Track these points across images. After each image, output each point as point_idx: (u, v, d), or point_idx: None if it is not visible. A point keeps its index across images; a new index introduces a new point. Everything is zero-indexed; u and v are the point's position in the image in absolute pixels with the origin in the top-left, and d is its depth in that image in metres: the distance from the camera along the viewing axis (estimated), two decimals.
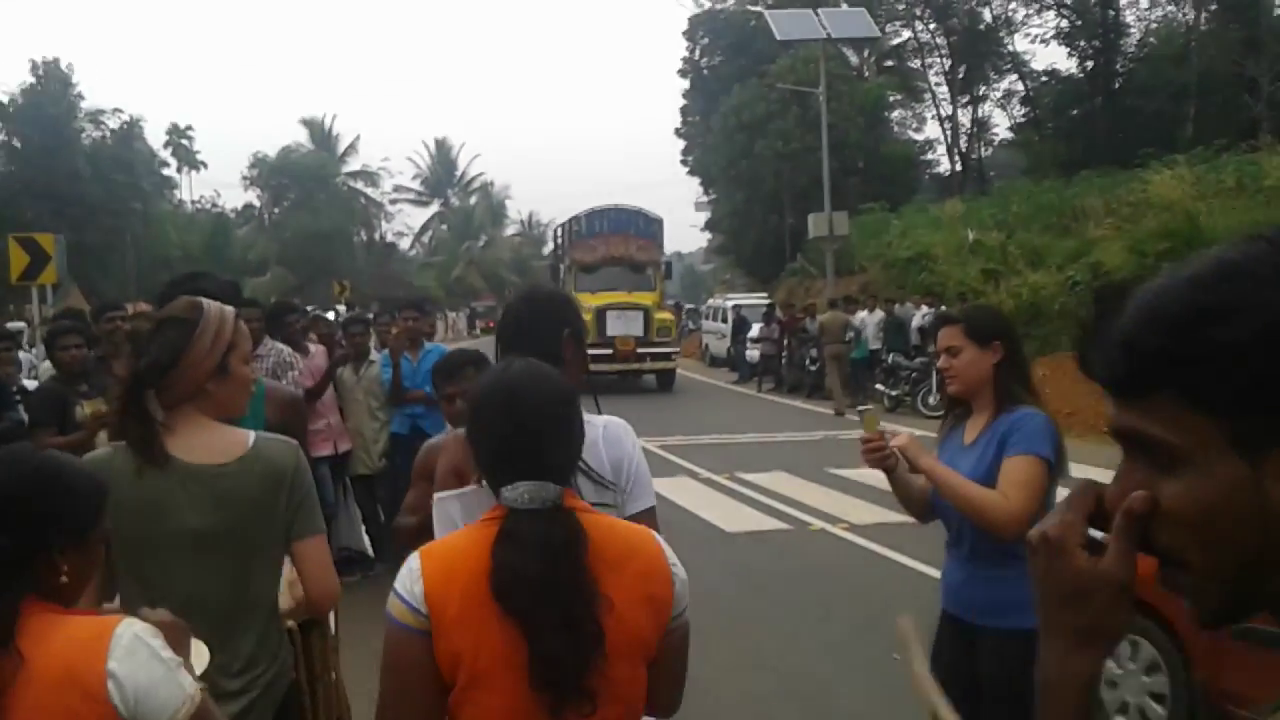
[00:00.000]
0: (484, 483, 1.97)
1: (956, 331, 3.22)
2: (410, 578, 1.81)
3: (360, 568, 7.55)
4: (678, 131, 46.43)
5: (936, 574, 3.63)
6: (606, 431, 2.63)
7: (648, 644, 1.86)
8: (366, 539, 7.95)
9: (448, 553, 1.87)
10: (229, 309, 2.50)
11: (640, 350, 21.70)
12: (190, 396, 2.38)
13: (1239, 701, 4.04)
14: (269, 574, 2.45)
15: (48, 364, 6.10)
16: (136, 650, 1.68)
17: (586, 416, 2.61)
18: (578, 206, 25.08)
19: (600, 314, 21.42)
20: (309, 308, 12.61)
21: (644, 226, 24.29)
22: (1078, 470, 8.64)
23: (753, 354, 23.43)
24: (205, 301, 2.49)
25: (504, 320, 2.67)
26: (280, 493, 2.38)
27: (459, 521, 2.29)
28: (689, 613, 1.95)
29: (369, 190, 61.92)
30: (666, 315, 23.13)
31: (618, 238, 23.71)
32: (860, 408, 3.70)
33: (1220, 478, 0.84)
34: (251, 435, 2.43)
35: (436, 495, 2.54)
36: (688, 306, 41.43)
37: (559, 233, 26.74)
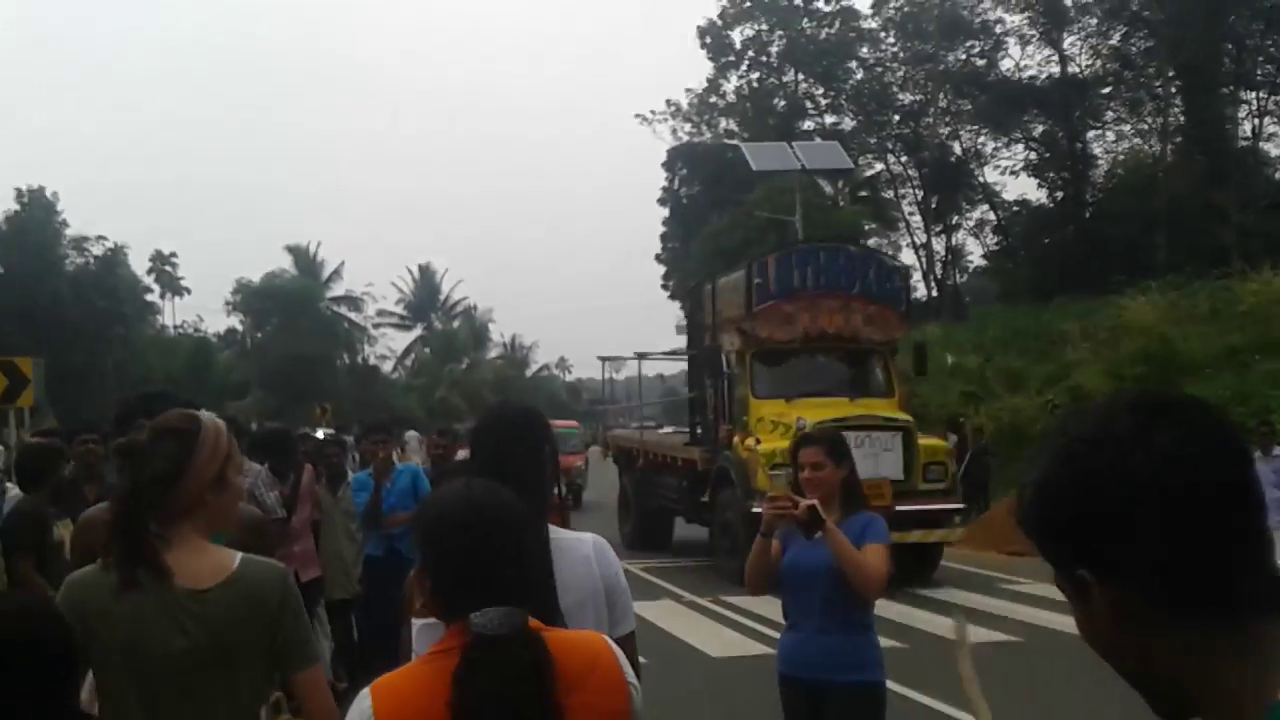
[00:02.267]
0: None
1: (820, 451, 4.03)
2: (362, 715, 1.76)
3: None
4: (658, 257, 47.18)
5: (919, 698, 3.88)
6: (597, 548, 2.61)
7: None
8: (337, 668, 7.74)
9: (400, 690, 1.81)
10: (220, 420, 2.47)
11: (902, 507, 11.26)
12: (188, 510, 2.33)
13: None
14: (252, 698, 2.39)
15: (16, 490, 5.98)
16: None
17: (574, 534, 2.60)
18: (562, 327, 24.24)
19: None
20: (303, 429, 12.46)
21: (879, 282, 13.97)
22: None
23: None
24: (199, 412, 2.48)
25: (481, 438, 2.63)
26: (264, 617, 2.31)
27: None
28: None
29: (352, 315, 62.20)
30: (937, 442, 13.19)
31: (834, 300, 13.51)
32: (773, 473, 4.22)
33: (1078, 612, 1.10)
34: (237, 557, 2.36)
35: (418, 622, 2.44)
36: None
37: (709, 293, 14.84)
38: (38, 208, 38.45)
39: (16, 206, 38.37)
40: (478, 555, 1.80)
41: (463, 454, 7.57)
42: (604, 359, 25.00)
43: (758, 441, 12.25)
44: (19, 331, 33.23)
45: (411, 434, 15.30)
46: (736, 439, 13.00)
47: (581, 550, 2.54)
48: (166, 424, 2.41)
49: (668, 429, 19.92)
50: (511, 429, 2.61)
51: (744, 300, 13.45)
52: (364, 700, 1.79)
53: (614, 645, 1.94)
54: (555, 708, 1.73)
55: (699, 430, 14.90)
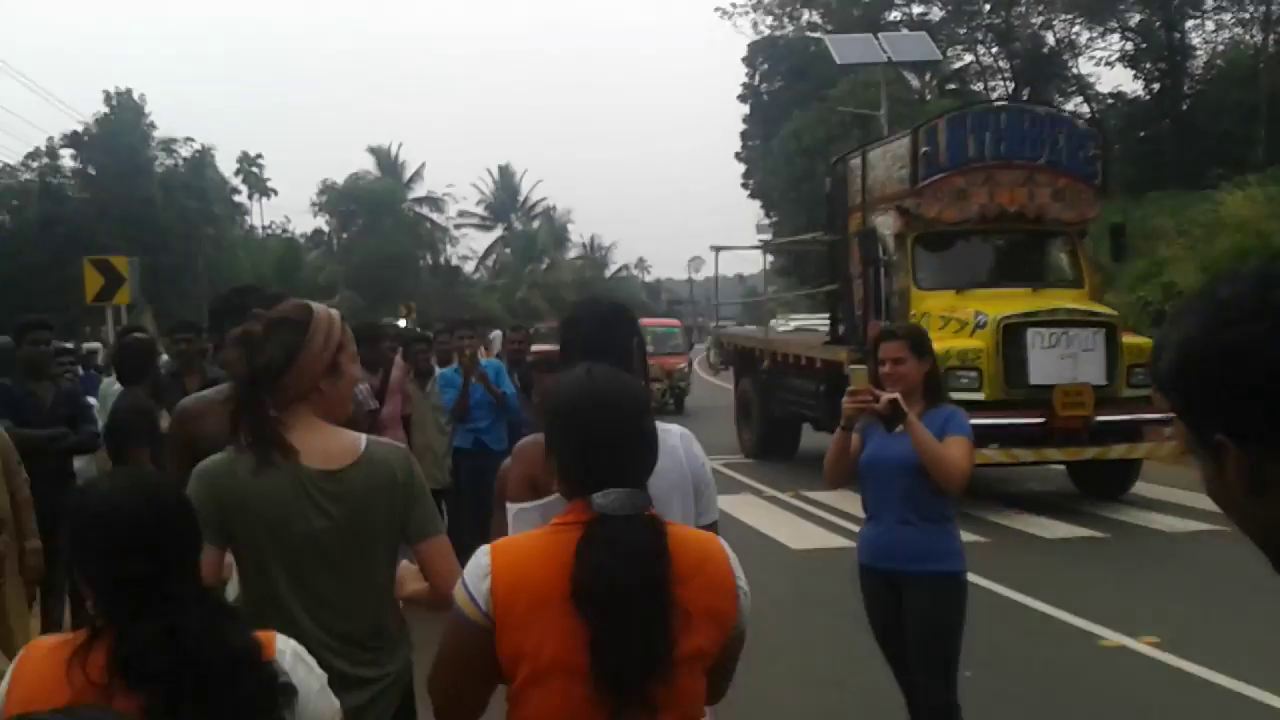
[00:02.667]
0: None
1: (903, 346, 4.05)
2: (478, 574, 1.83)
3: None
4: (738, 156, 46.50)
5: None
6: (684, 439, 2.65)
7: (708, 656, 1.86)
8: None
9: (519, 553, 1.87)
10: (334, 310, 2.53)
11: (1103, 417, 10.08)
12: (303, 396, 2.40)
13: None
14: (388, 572, 2.49)
15: (116, 386, 6.19)
16: (296, 666, 1.77)
17: (661, 425, 2.67)
18: (641, 229, 22.26)
19: (1012, 336, 10.04)
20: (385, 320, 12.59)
21: (1070, 150, 11.51)
22: (1151, 490, 8.37)
23: None
24: (312, 303, 2.54)
25: (571, 331, 2.67)
26: (395, 496, 2.41)
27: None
28: (750, 623, 1.96)
29: (434, 216, 62.73)
30: (1143, 341, 10.55)
31: (1016, 172, 11.29)
32: (853, 365, 4.42)
33: (1210, 474, 1.13)
34: (363, 439, 2.45)
35: (515, 506, 2.53)
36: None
37: (858, 166, 12.66)
38: (126, 110, 39.01)
39: (106, 109, 38.96)
40: (603, 436, 1.86)
41: (538, 347, 7.68)
42: (721, 247, 18.97)
43: None
44: (112, 231, 34.11)
45: (496, 333, 15.44)
46: None
47: (669, 440, 2.57)
48: (280, 313, 2.48)
49: (750, 327, 18.98)
50: (600, 324, 2.64)
51: (907, 173, 11.30)
52: (483, 557, 1.86)
53: (726, 547, 1.97)
54: (669, 591, 1.78)
55: (840, 328, 13.09)
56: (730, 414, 16.17)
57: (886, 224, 11.64)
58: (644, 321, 20.90)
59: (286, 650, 1.78)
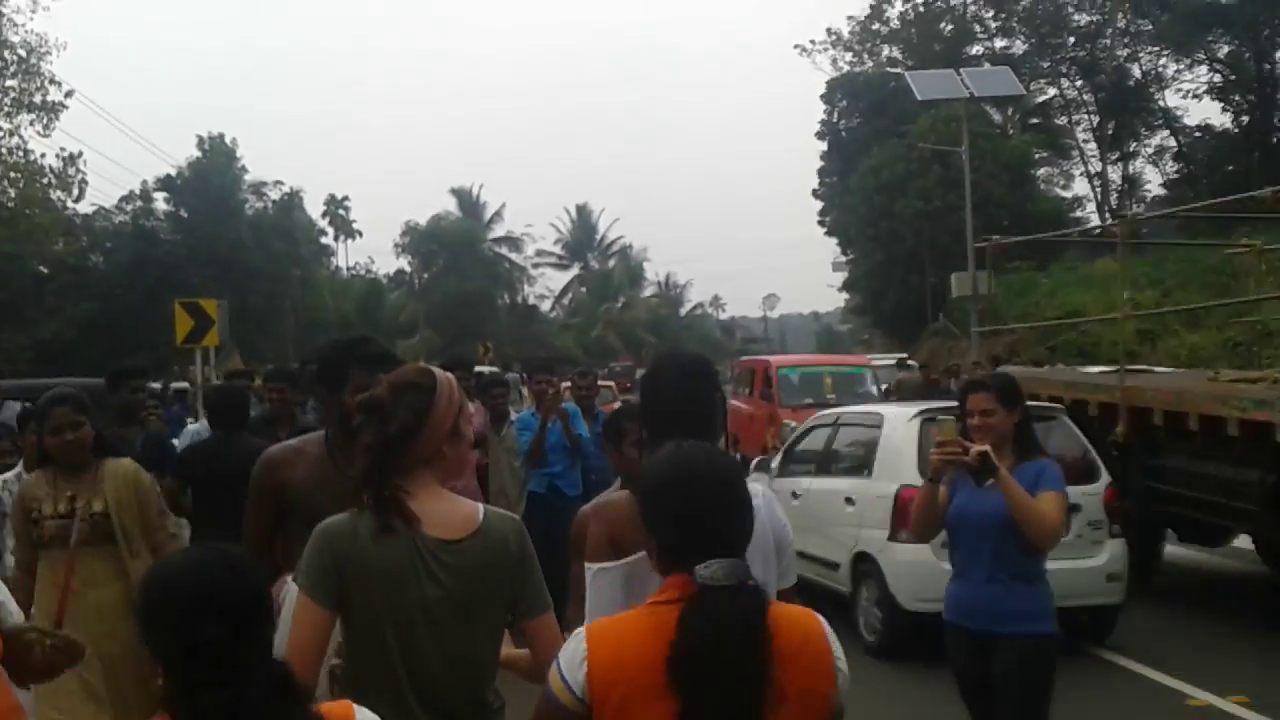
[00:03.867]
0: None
1: (990, 397, 3.94)
2: (575, 659, 1.81)
3: None
4: (815, 193, 46.33)
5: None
6: (766, 499, 2.61)
7: None
8: None
9: (617, 637, 1.83)
10: (450, 374, 2.52)
11: None
12: (426, 461, 2.40)
13: None
14: (493, 643, 2.47)
15: (204, 424, 6.31)
16: None
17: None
18: (716, 267, 20.40)
19: None
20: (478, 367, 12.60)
21: None
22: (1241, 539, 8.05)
23: None
24: (431, 367, 2.55)
25: (657, 387, 2.64)
26: (507, 568, 2.39)
27: (619, 592, 2.27)
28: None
29: (513, 255, 63.51)
30: None
31: None
32: (941, 417, 4.26)
33: None
34: (480, 509, 2.43)
35: (595, 566, 2.51)
36: None
37: None
38: (218, 154, 40.15)
39: (199, 153, 40.17)
40: (697, 514, 1.85)
41: (610, 391, 7.65)
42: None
43: None
44: (202, 273, 35.07)
45: (512, 375, 15.44)
46: None
47: (753, 501, 2.57)
48: (405, 378, 2.48)
49: (1068, 368, 13.42)
50: (683, 375, 2.62)
51: None
52: (579, 642, 1.84)
53: (825, 624, 1.93)
54: (768, 666, 1.74)
55: None
56: None
57: None
58: (817, 359, 19.78)
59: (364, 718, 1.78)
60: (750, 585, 1.82)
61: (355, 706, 1.82)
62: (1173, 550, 10.05)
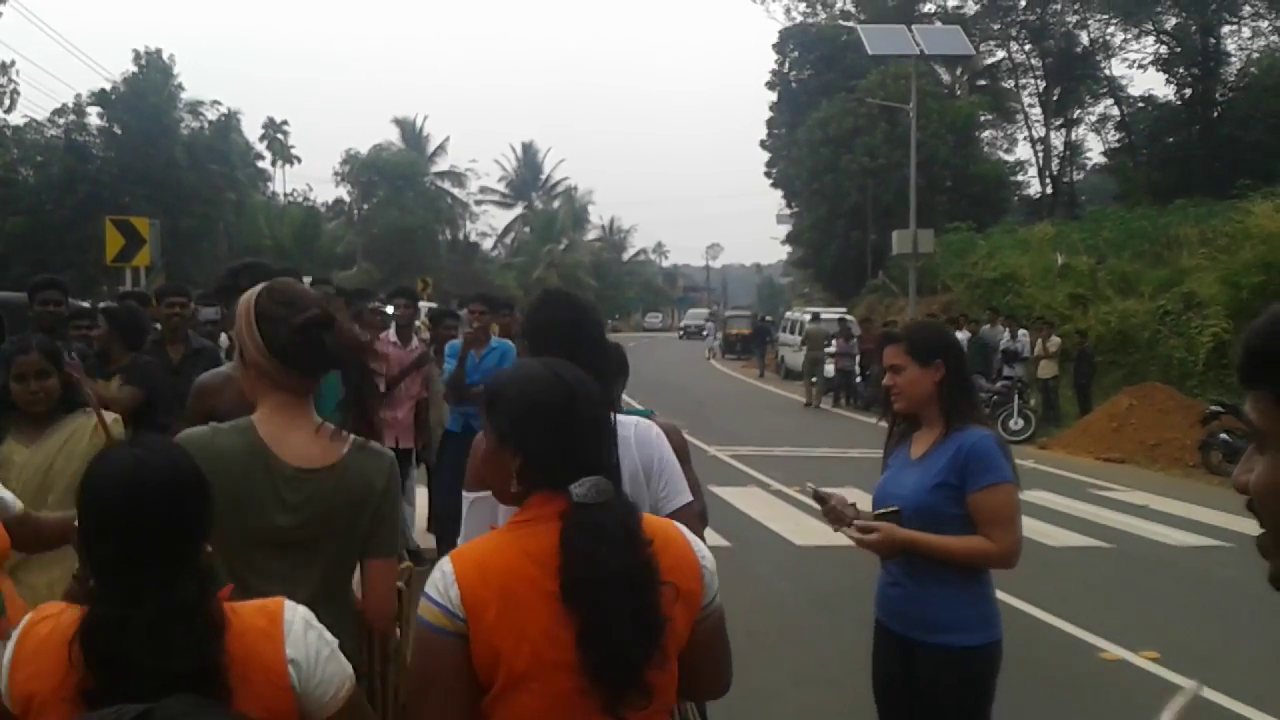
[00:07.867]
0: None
1: (899, 350, 3.23)
2: (444, 582, 1.80)
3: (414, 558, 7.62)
4: (763, 144, 46.33)
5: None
6: (638, 432, 2.69)
7: (680, 637, 1.84)
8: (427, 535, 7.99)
9: (481, 555, 1.84)
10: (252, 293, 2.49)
11: None
12: (273, 382, 2.40)
13: None
14: (348, 574, 2.45)
15: None
16: (307, 634, 1.77)
17: (619, 418, 2.64)
18: (661, 213, 21.35)
19: None
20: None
21: None
22: (1160, 503, 8.31)
23: (829, 369, 22.84)
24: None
25: (545, 321, 2.65)
26: (364, 504, 2.37)
27: (500, 520, 2.24)
28: (720, 597, 1.93)
29: (455, 190, 62.71)
30: None
31: None
32: (809, 486, 3.66)
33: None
34: (350, 443, 2.40)
35: (469, 495, 2.52)
36: (765, 318, 41.17)
37: None
38: (155, 70, 38.93)
39: (134, 68, 38.95)
40: (573, 434, 1.85)
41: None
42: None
43: None
44: (134, 192, 34.16)
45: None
46: None
47: (622, 433, 2.61)
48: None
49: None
50: (579, 315, 2.67)
51: None
52: (446, 565, 1.83)
53: (684, 529, 1.96)
54: (655, 569, 1.78)
55: None
56: (735, 403, 15.73)
57: None
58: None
59: (295, 619, 1.77)
60: (623, 499, 1.86)
61: (286, 601, 1.81)
62: (1095, 520, 10.31)
